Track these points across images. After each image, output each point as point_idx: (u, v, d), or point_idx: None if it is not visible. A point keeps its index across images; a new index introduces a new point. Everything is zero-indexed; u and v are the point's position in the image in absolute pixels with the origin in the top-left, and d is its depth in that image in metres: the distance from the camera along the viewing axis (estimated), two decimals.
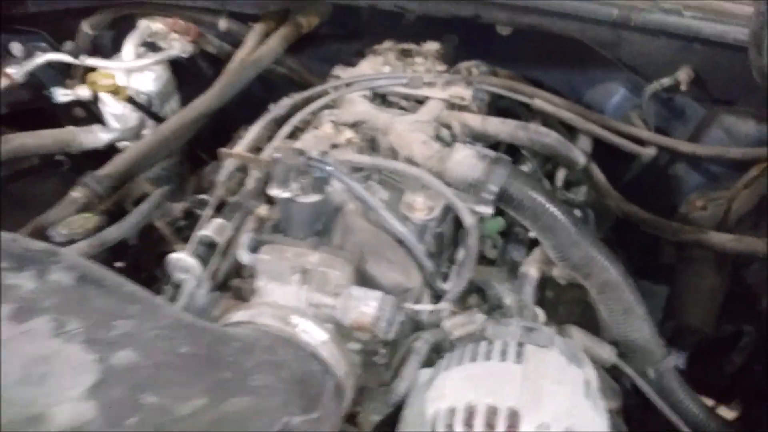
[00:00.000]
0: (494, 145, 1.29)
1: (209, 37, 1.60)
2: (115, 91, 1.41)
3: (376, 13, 1.67)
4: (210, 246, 1.16)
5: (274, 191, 0.94)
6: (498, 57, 1.70)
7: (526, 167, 1.28)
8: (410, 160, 1.05)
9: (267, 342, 0.78)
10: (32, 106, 1.82)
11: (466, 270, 0.97)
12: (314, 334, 0.81)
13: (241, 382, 0.68)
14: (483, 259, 1.20)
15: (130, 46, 1.61)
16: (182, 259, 1.12)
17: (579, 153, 1.31)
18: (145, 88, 1.63)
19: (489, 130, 1.21)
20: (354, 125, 1.13)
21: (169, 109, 1.71)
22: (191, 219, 1.33)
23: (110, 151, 1.63)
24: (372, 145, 1.10)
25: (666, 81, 1.37)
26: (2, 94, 1.59)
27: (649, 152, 1.37)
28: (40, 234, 1.18)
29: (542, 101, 1.30)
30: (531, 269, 1.09)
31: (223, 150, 1.08)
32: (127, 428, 0.58)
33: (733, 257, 1.35)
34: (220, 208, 1.32)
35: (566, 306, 1.23)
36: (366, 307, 0.85)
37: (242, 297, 0.98)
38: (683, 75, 1.34)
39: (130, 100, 1.47)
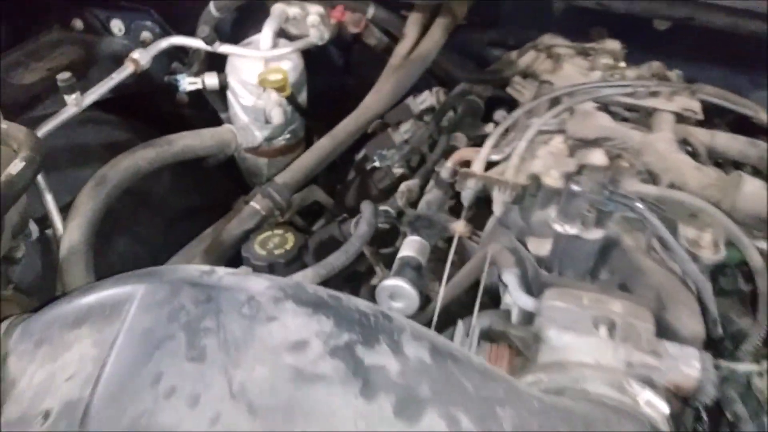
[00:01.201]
0: None
1: (373, 28, 1.44)
2: (283, 87, 1.26)
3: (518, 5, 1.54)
4: (418, 270, 1.05)
5: (560, 226, 0.82)
6: (651, 53, 1.58)
7: None
8: (676, 186, 0.93)
9: (606, 417, 0.68)
10: (133, 90, 1.67)
11: (762, 318, 0.86)
12: (658, 406, 0.70)
13: None
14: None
15: (269, 32, 1.45)
16: (399, 287, 1.00)
17: None
18: None
19: (718, 147, 1.10)
20: (595, 142, 1.01)
21: (300, 101, 1.56)
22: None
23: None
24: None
25: None
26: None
27: None
28: (225, 252, 1.05)
29: None
30: None
31: (464, 170, 0.95)
32: None
33: None
34: (398, 216, 1.20)
35: None
36: (688, 367, 0.75)
37: (505, 341, 0.87)
38: None
39: (291, 98, 1.33)
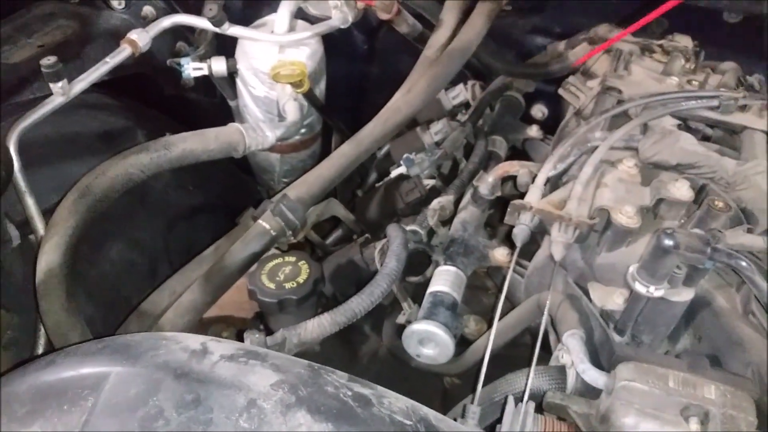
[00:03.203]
0: None
1: (406, 14, 1.25)
2: (300, 83, 1.09)
3: None
4: (453, 308, 0.89)
5: (644, 288, 0.66)
6: (718, 46, 1.38)
7: None
8: None
9: None
10: (133, 71, 1.49)
11: None
12: None
13: None
14: None
15: (285, 13, 1.27)
16: (431, 332, 0.85)
17: None
18: None
19: None
20: (675, 168, 0.83)
21: (319, 92, 1.39)
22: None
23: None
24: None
25: None
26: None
27: None
28: (227, 279, 0.90)
29: None
30: None
31: (517, 202, 0.78)
32: None
33: None
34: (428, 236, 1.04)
35: None
36: None
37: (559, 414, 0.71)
38: None
39: (309, 95, 1.15)
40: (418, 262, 1.01)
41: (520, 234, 0.77)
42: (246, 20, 1.39)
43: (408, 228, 1.01)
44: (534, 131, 1.30)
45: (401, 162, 1.19)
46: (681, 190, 0.78)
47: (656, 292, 0.65)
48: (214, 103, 1.62)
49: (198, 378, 0.48)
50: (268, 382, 0.48)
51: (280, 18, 1.28)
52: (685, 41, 1.16)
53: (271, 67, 1.15)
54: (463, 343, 0.94)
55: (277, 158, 1.44)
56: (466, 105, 1.40)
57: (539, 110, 1.43)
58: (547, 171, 0.83)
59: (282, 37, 1.26)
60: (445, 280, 0.91)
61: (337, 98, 1.47)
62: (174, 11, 1.46)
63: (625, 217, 0.75)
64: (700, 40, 1.31)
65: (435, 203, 1.03)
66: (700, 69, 1.13)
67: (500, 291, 0.88)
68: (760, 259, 0.74)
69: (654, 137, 0.85)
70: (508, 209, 0.78)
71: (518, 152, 1.32)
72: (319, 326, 0.77)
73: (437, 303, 0.88)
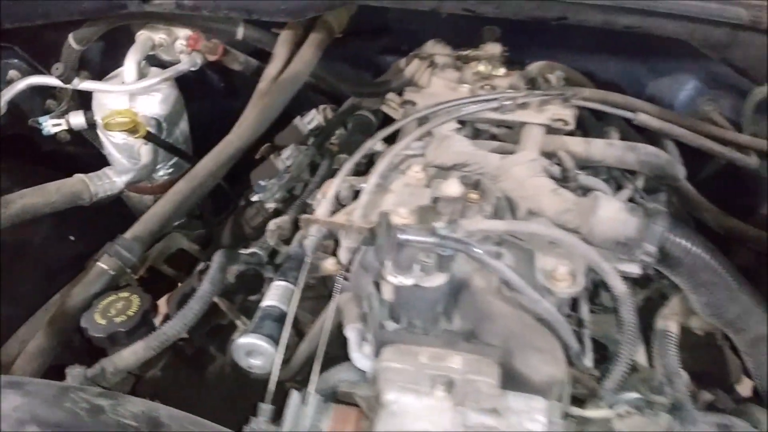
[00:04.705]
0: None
1: (235, 52, 1.34)
2: (134, 129, 1.17)
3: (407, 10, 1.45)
4: (281, 320, 0.97)
5: (393, 278, 0.75)
6: (545, 48, 1.51)
7: (628, 190, 1.11)
8: (535, 214, 0.86)
9: None
10: (8, 132, 1.55)
11: (627, 351, 0.80)
12: None
13: None
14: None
15: (131, 64, 1.35)
16: (254, 344, 0.92)
17: (681, 168, 1.15)
18: (152, 111, 1.37)
19: (594, 156, 1.04)
20: (452, 168, 0.93)
21: (180, 132, 1.47)
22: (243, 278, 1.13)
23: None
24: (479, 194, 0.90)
25: None
26: None
27: (753, 162, 1.22)
28: (69, 322, 0.96)
29: (646, 116, 1.12)
30: (670, 324, 0.94)
31: (306, 217, 0.87)
32: None
33: None
34: (271, 256, 1.12)
35: (691, 351, 1.09)
36: (533, 423, 0.69)
37: (351, 402, 0.79)
38: None
39: (149, 136, 1.23)
40: (258, 282, 1.09)
41: (310, 245, 0.86)
42: (105, 71, 1.46)
43: (248, 251, 1.09)
44: (379, 146, 1.39)
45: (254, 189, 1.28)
46: (451, 187, 0.88)
47: (406, 280, 0.74)
48: (94, 154, 1.68)
49: None
50: (12, 405, 0.55)
51: (127, 68, 1.35)
52: (493, 49, 1.27)
53: (102, 119, 1.23)
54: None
55: (150, 199, 1.50)
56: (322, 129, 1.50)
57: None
58: (336, 185, 0.92)
59: (129, 86, 1.34)
60: (274, 294, 0.99)
61: (206, 135, 1.55)
62: (38, 72, 1.53)
63: (399, 217, 0.85)
64: (536, 44, 1.44)
65: (271, 224, 1.12)
66: (509, 73, 1.24)
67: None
68: (515, 238, 0.84)
69: (435, 143, 0.96)
70: (300, 224, 0.87)
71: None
72: (134, 353, 0.84)
73: (264, 317, 0.96)
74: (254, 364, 0.94)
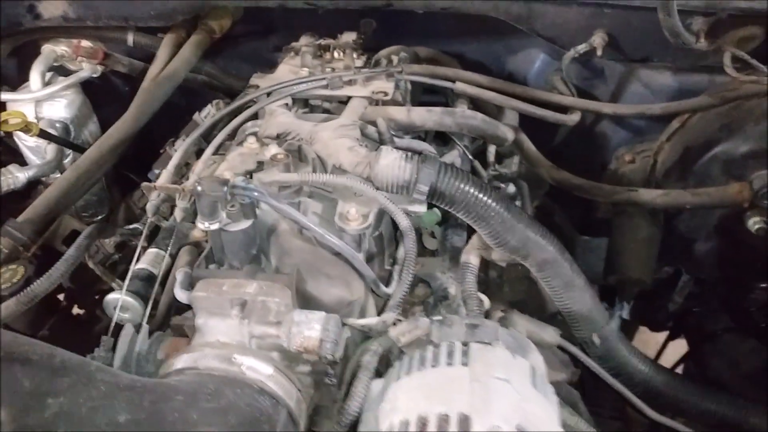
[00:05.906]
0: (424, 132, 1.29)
1: (117, 56, 1.52)
2: (27, 128, 1.34)
3: (288, 8, 1.63)
4: (149, 279, 1.14)
5: (202, 224, 0.92)
6: (417, 35, 1.68)
7: (456, 151, 1.28)
8: (339, 169, 1.04)
9: (212, 387, 0.77)
10: None
11: (406, 274, 0.97)
12: (260, 369, 0.81)
13: None
14: (425, 250, 1.21)
15: (36, 75, 1.53)
16: (119, 299, 1.09)
17: (506, 129, 1.31)
18: (58, 115, 1.56)
19: (415, 121, 1.21)
20: (278, 137, 1.10)
21: (89, 133, 1.64)
22: (126, 250, 1.30)
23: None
24: (300, 157, 1.08)
25: (582, 47, 1.38)
26: None
27: (574, 119, 1.39)
28: None
29: (463, 84, 1.30)
30: (471, 257, 1.10)
31: (145, 184, 1.04)
32: None
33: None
34: (154, 235, 1.29)
35: (511, 284, 1.26)
36: (310, 330, 0.85)
37: (184, 334, 0.96)
38: (598, 39, 1.35)
39: (43, 134, 1.40)
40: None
41: (150, 208, 1.03)
42: (21, 81, 1.64)
43: (131, 226, 1.26)
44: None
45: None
46: (270, 151, 1.05)
47: (212, 226, 0.91)
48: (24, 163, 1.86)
49: None
50: None
51: (33, 78, 1.53)
52: (347, 37, 1.45)
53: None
54: None
55: None
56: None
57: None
58: (179, 155, 1.10)
59: (34, 94, 1.52)
60: (145, 259, 1.16)
61: None
62: None
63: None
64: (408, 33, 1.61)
65: (149, 204, 1.29)
66: (360, 57, 1.42)
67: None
68: (324, 189, 1.01)
69: (265, 118, 1.13)
70: (142, 190, 1.05)
71: None
72: (6, 307, 1.01)
73: (133, 277, 1.13)
74: (124, 317, 1.11)
